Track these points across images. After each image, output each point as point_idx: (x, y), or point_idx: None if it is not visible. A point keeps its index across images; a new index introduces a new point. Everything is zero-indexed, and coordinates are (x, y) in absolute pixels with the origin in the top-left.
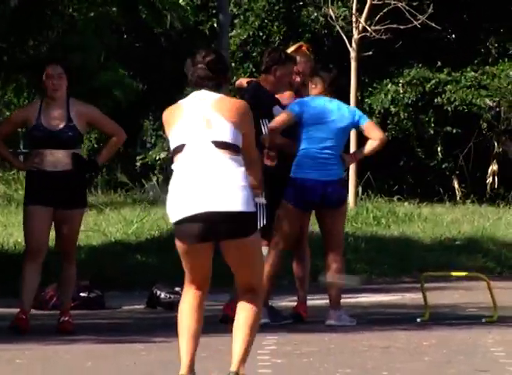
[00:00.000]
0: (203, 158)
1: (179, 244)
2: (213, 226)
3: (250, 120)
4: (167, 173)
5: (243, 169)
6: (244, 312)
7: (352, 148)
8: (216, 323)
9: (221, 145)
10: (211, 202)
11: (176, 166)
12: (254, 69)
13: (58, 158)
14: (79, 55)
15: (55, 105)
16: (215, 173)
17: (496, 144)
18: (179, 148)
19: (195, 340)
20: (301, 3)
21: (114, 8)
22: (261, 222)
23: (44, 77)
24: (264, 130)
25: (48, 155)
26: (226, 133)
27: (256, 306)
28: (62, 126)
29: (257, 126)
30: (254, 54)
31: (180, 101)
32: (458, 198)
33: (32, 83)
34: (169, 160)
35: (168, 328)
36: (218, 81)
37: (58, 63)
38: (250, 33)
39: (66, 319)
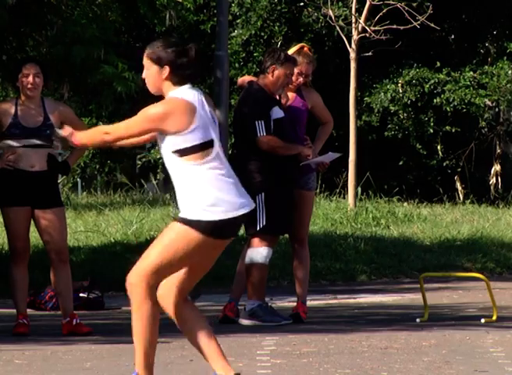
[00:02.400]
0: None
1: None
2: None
3: None
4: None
5: None
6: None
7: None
8: (216, 323)
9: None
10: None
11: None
12: (257, 70)
13: (35, 158)
14: (79, 49)
15: (32, 104)
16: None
17: (497, 144)
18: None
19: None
20: (302, 4)
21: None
22: (261, 222)
23: (21, 76)
24: (260, 131)
25: (25, 154)
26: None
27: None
28: (40, 124)
29: (253, 128)
30: (256, 54)
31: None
32: (461, 199)
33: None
34: None
35: (168, 329)
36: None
37: (36, 62)
38: (253, 32)
39: (78, 321)
